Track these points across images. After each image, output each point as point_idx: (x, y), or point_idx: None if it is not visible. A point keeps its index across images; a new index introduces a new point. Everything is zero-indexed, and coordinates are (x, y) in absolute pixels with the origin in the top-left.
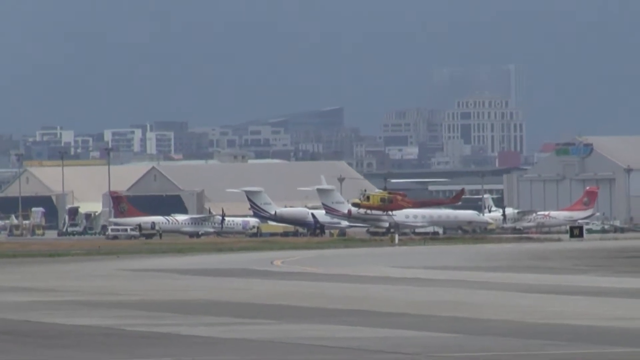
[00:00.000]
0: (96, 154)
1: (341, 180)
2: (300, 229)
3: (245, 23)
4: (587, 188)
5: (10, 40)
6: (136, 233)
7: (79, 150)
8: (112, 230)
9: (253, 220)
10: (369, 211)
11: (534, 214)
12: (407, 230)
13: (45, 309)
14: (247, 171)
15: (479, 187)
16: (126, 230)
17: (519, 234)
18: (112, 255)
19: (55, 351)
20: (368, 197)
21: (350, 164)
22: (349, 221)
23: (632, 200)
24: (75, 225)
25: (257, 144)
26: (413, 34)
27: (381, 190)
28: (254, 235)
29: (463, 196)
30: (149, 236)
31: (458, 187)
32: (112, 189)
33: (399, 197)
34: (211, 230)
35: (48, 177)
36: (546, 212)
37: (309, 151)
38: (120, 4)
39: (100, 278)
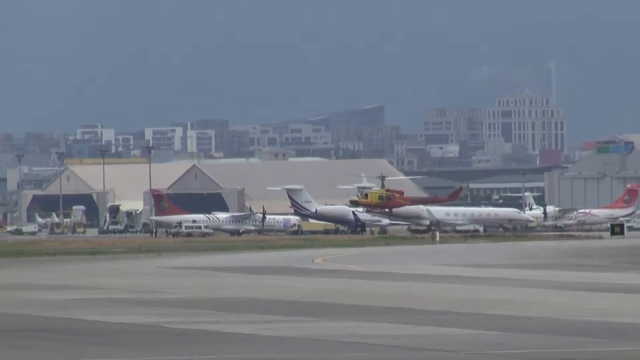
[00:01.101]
0: (137, 152)
1: (382, 178)
2: (341, 227)
3: (286, 22)
4: (628, 186)
5: (52, 40)
6: (210, 230)
7: (119, 149)
8: (187, 227)
9: (294, 218)
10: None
11: (575, 212)
12: (447, 228)
13: (86, 307)
14: (287, 169)
15: (519, 185)
16: (200, 227)
17: (559, 231)
18: (153, 253)
19: (95, 349)
20: (366, 195)
21: (391, 162)
22: (390, 219)
23: None
24: (116, 223)
25: (297, 142)
26: (453, 33)
27: (379, 188)
28: (295, 233)
29: (460, 193)
30: (190, 234)
31: (499, 186)
32: (153, 187)
33: (397, 195)
34: (252, 228)
35: (89, 175)
36: (587, 210)
37: (349, 149)
38: (162, 5)
39: (141, 276)
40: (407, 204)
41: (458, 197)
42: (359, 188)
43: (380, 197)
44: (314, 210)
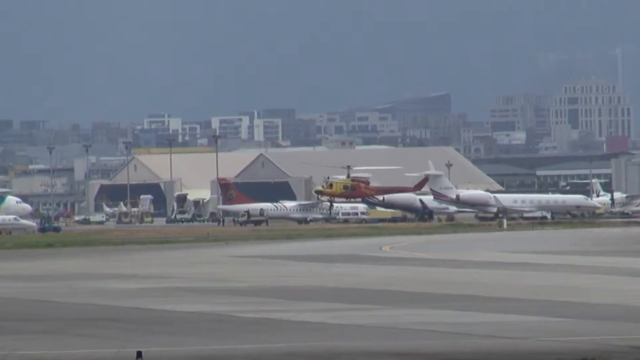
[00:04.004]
0: (204, 141)
1: (449, 165)
2: (409, 215)
3: (352, 11)
4: None
5: (119, 32)
6: (366, 216)
7: (186, 138)
8: (343, 214)
9: (361, 206)
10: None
11: None
12: (515, 215)
13: (154, 296)
14: (354, 157)
15: (586, 171)
16: (357, 214)
17: (627, 218)
18: (220, 242)
19: (162, 337)
20: (331, 185)
21: (457, 150)
22: (457, 206)
23: None
24: (183, 212)
25: (364, 130)
26: (519, 19)
27: (344, 178)
28: (346, 221)
29: (426, 183)
30: (257, 223)
31: (566, 173)
32: (220, 176)
33: (362, 185)
34: (319, 216)
35: (156, 165)
36: None
37: (416, 137)
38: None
39: (209, 265)
40: (373, 194)
41: (423, 186)
42: (426, 175)
43: (345, 187)
44: (381, 199)
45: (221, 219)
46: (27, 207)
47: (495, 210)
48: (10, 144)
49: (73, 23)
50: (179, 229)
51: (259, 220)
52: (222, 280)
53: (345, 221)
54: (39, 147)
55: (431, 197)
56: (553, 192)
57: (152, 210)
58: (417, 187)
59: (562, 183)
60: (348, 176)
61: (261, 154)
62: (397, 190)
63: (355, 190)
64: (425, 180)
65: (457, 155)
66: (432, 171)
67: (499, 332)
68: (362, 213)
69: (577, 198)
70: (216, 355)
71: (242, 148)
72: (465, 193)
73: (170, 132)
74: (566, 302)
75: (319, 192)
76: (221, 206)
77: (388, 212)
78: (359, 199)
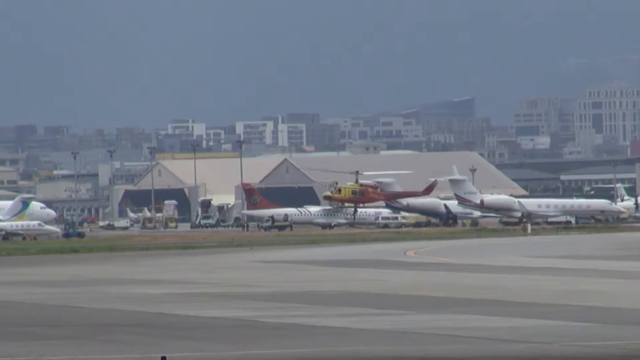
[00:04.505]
0: (228, 146)
1: (473, 170)
2: (433, 220)
3: (376, 17)
4: None
5: (142, 37)
6: (406, 221)
7: (210, 143)
8: (383, 219)
9: (385, 211)
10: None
11: None
12: (539, 220)
13: (178, 301)
14: (379, 162)
15: (611, 176)
16: (397, 218)
17: None
18: (245, 247)
19: (185, 342)
20: (339, 190)
21: (482, 155)
22: (482, 211)
23: None
24: (207, 217)
25: (388, 135)
26: (542, 24)
27: (353, 183)
28: (386, 226)
29: (434, 188)
30: (281, 228)
31: (590, 177)
32: (244, 181)
33: (370, 190)
34: (343, 221)
35: (180, 170)
36: None
37: (440, 142)
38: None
39: (233, 270)
40: (381, 199)
41: (432, 191)
42: (450, 181)
43: (353, 192)
44: (405, 204)
45: (245, 224)
46: (52, 212)
47: (519, 215)
48: (34, 149)
49: (98, 29)
50: (203, 234)
51: (283, 225)
52: (246, 285)
53: (386, 226)
54: (64, 152)
55: (455, 202)
56: (577, 196)
57: (176, 216)
58: (425, 192)
59: (587, 188)
60: (356, 181)
61: (285, 159)
62: (405, 195)
63: (363, 195)
64: (433, 185)
65: (481, 160)
66: (456, 176)
67: (524, 336)
68: (403, 217)
69: (601, 203)
70: None
71: (266, 153)
72: (490, 198)
73: (195, 137)
74: (591, 307)
75: (327, 198)
76: (245, 211)
77: (412, 217)
78: (383, 205)
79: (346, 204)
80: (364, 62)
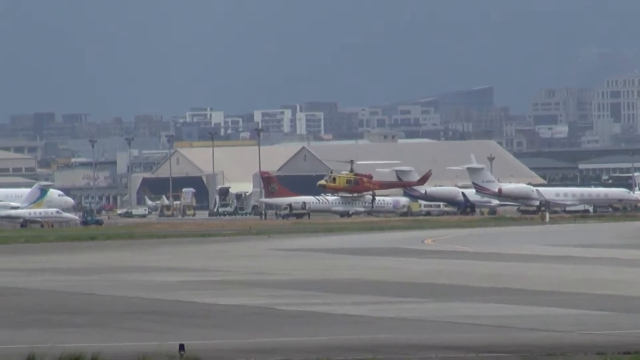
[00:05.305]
0: (246, 134)
1: (491, 159)
2: (450, 208)
3: (394, 6)
4: None
5: (163, 27)
6: (448, 209)
7: (228, 131)
8: (425, 206)
9: (403, 200)
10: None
11: None
12: (557, 209)
13: (196, 289)
14: (397, 151)
15: (629, 165)
16: (439, 206)
17: None
18: (263, 235)
19: (203, 330)
20: (334, 179)
21: (500, 143)
22: (500, 200)
23: None
24: (225, 205)
25: (406, 123)
26: (561, 12)
27: (348, 172)
28: (405, 214)
29: (429, 177)
30: (299, 216)
31: (608, 166)
32: (262, 169)
33: (365, 179)
34: (362, 209)
35: (198, 158)
36: None
37: (458, 131)
38: None
39: (251, 258)
40: (376, 188)
41: (427, 181)
42: (468, 169)
43: (348, 182)
44: (423, 192)
45: (263, 212)
46: (70, 200)
47: (537, 203)
48: (52, 137)
49: (116, 16)
50: (221, 222)
51: (301, 213)
52: (264, 273)
53: (428, 213)
54: (82, 140)
55: (473, 190)
56: (595, 185)
57: (194, 204)
58: (420, 182)
59: (605, 176)
60: (351, 170)
61: (303, 147)
62: (399, 185)
63: (358, 184)
64: (428, 175)
65: (499, 149)
66: (474, 164)
67: (543, 325)
68: (445, 206)
69: (619, 191)
70: (259, 348)
71: (285, 141)
72: (508, 186)
73: (213, 125)
74: (609, 295)
75: (322, 187)
76: (263, 199)
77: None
78: (402, 192)
79: (340, 193)
80: (382, 51)
